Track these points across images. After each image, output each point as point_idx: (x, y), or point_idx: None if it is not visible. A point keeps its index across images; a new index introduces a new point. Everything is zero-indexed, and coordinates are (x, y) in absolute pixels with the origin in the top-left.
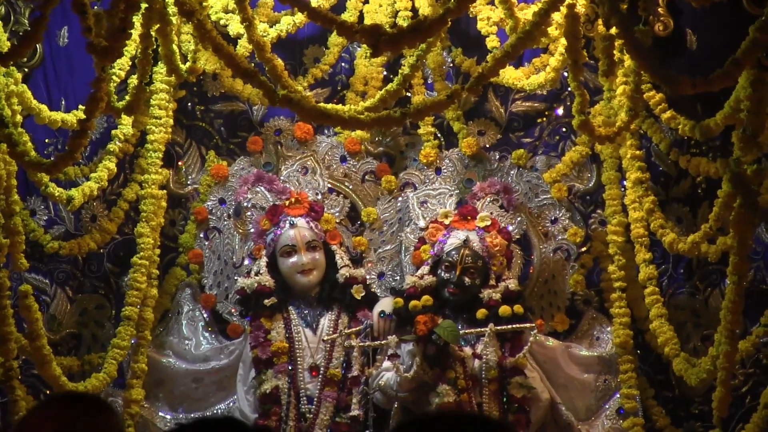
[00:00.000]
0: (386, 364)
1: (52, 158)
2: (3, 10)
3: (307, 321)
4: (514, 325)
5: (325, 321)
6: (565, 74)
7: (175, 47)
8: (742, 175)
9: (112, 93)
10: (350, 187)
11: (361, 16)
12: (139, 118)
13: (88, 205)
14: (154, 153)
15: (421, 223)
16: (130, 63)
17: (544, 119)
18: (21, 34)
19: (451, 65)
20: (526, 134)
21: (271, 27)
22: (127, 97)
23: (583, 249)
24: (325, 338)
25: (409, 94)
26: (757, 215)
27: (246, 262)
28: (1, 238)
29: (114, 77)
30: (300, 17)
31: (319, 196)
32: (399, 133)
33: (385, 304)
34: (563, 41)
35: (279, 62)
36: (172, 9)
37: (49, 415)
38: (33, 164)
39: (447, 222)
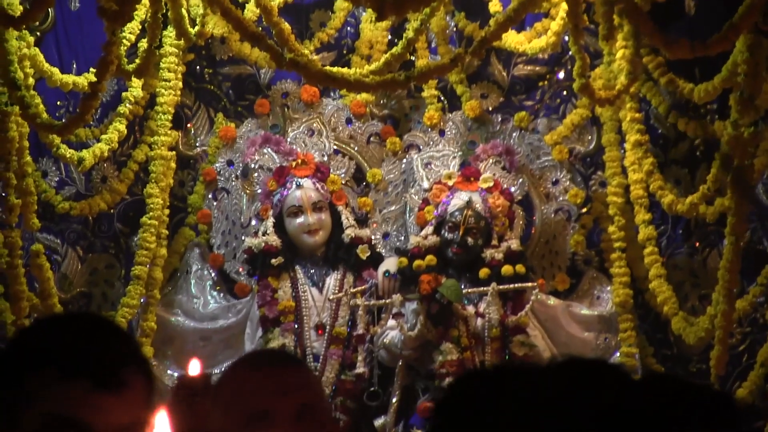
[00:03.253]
0: (391, 322)
1: (63, 120)
2: None
3: (313, 280)
4: (516, 285)
5: (331, 280)
6: (566, 38)
7: (184, 11)
8: (739, 138)
9: (123, 56)
10: (356, 148)
11: None
12: (149, 81)
13: (99, 167)
14: (164, 115)
15: (425, 185)
16: (140, 27)
17: (546, 82)
18: None
19: (455, 29)
20: (528, 97)
21: None
22: (137, 61)
23: (584, 210)
24: (330, 297)
25: (413, 58)
26: (752, 177)
27: (253, 222)
28: (13, 199)
29: (124, 41)
30: None
31: (325, 158)
32: (403, 96)
33: (390, 263)
34: (564, 6)
35: (286, 26)
36: None
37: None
38: (45, 126)
39: (450, 183)
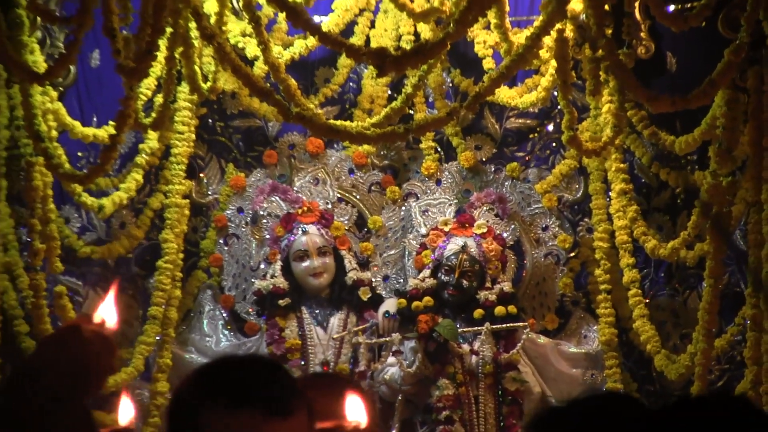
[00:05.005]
0: (391, 359)
1: (84, 170)
2: (40, 34)
3: (318, 320)
4: (508, 324)
5: (335, 320)
6: (555, 93)
7: (197, 68)
8: (718, 187)
9: (140, 110)
10: (357, 197)
11: (367, 40)
12: (164, 133)
13: (118, 213)
14: (178, 165)
15: (423, 230)
16: (156, 83)
17: (536, 135)
18: (56, 56)
19: (451, 85)
20: (519, 148)
21: (285, 49)
22: (153, 114)
23: (572, 254)
24: (334, 336)
25: (411, 112)
26: (730, 223)
27: (262, 265)
28: (38, 244)
29: (141, 96)
30: (312, 41)
31: (329, 205)
32: (402, 148)
33: (390, 304)
34: (553, 63)
35: (292, 82)
36: (194, 33)
37: None
38: (67, 176)
39: (446, 229)
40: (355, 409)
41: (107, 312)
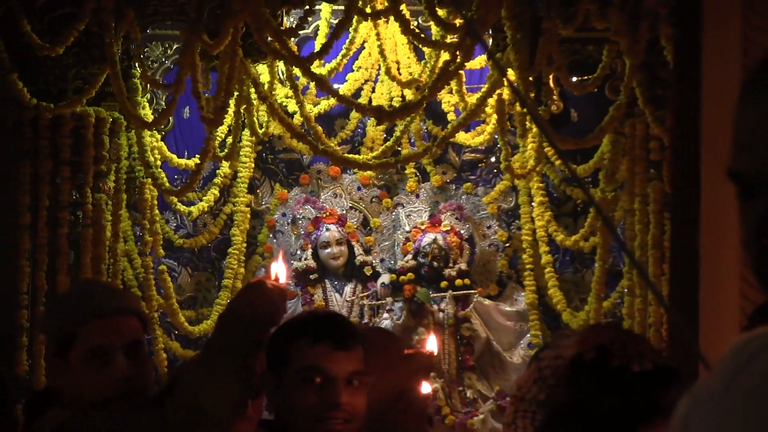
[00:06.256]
0: (385, 315)
1: (179, 187)
2: (149, 95)
3: (336, 288)
4: (464, 291)
5: (348, 288)
6: (496, 136)
7: (255, 119)
8: (605, 200)
9: (216, 147)
10: (363, 205)
11: (370, 100)
12: (233, 162)
13: (201, 216)
14: (242, 184)
15: (407, 228)
16: (227, 128)
17: (483, 164)
18: (160, 111)
19: (426, 130)
20: (472, 173)
21: (314, 106)
22: (226, 150)
23: (507, 245)
24: (348, 299)
25: (399, 149)
26: (613, 224)
27: (299, 252)
28: (147, 237)
29: (217, 137)
30: (332, 101)
31: (344, 212)
32: (393, 173)
33: (385, 278)
34: (495, 116)
35: (319, 128)
36: (253, 95)
37: None
38: (167, 191)
39: (423, 227)
40: (431, 342)
41: (281, 271)
